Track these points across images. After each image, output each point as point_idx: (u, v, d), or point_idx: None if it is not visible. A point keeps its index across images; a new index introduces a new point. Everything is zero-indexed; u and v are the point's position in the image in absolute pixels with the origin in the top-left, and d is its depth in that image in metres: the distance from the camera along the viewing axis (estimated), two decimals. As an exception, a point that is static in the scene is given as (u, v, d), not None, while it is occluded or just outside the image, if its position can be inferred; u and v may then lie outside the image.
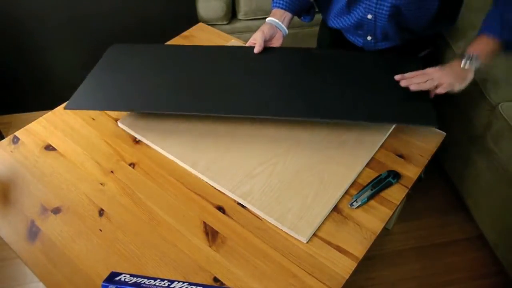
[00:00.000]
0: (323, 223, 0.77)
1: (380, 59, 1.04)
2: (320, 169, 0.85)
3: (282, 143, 0.90)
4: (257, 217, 0.79)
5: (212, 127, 0.94)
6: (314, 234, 0.76)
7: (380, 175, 0.84)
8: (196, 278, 0.71)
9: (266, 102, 0.89)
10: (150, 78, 0.97)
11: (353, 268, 0.71)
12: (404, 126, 0.94)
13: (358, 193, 0.82)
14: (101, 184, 0.86)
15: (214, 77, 0.96)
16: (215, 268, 0.72)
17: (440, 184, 1.57)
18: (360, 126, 0.93)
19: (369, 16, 1.03)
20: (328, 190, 0.81)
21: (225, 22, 1.77)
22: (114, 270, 0.70)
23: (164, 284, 0.64)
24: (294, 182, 0.83)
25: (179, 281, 0.66)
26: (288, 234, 0.76)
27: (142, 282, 0.64)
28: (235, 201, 0.82)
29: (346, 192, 0.82)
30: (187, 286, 0.65)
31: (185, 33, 1.27)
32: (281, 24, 1.07)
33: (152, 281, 0.64)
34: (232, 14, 1.79)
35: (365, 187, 0.83)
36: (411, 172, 0.86)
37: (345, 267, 0.71)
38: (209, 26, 1.31)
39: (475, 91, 1.26)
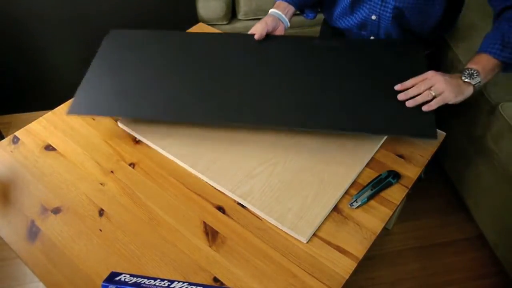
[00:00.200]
0: (323, 223, 0.77)
1: (383, 49, 1.02)
2: (320, 169, 0.85)
3: (282, 143, 0.90)
4: (257, 217, 0.79)
5: (212, 127, 0.94)
6: (314, 234, 0.76)
7: (380, 175, 0.84)
8: (196, 278, 0.71)
9: (265, 109, 0.87)
10: (150, 73, 0.96)
11: (353, 268, 0.71)
12: None
13: (358, 193, 0.82)
14: (101, 184, 0.86)
15: (214, 74, 0.95)
16: (215, 268, 0.72)
17: (440, 184, 1.57)
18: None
19: (373, 17, 1.03)
20: (328, 190, 0.81)
21: (225, 22, 1.77)
22: (114, 270, 0.70)
23: (164, 284, 0.64)
24: (294, 182, 0.83)
25: (179, 281, 0.66)
26: (288, 234, 0.76)
27: (142, 282, 0.64)
28: (235, 201, 0.82)
29: (346, 192, 0.82)
30: (187, 286, 0.65)
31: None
32: (284, 17, 1.07)
33: (152, 281, 0.65)
34: (232, 14, 1.79)
35: (365, 187, 0.83)
36: (411, 172, 0.86)
37: (345, 267, 0.71)
38: (209, 26, 1.31)
39: (475, 91, 1.25)
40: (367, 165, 0.87)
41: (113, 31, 1.08)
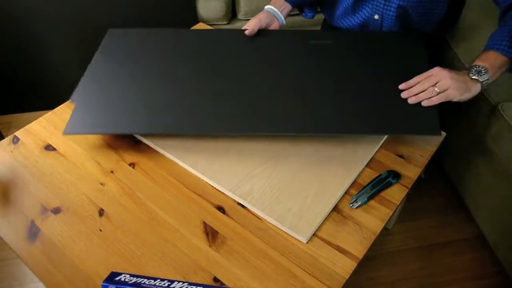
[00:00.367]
0: (323, 223, 0.77)
1: (381, 44, 1.00)
2: (320, 169, 0.85)
3: (282, 143, 0.90)
4: (257, 217, 0.79)
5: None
6: (314, 234, 0.76)
7: (380, 175, 0.84)
8: (196, 278, 0.71)
9: (263, 117, 0.86)
10: (143, 82, 0.94)
11: (353, 268, 0.71)
12: None
13: (358, 193, 0.82)
14: (101, 184, 0.86)
15: (211, 79, 0.94)
16: (215, 268, 0.72)
17: (440, 184, 1.57)
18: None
19: (376, 17, 1.02)
20: (328, 190, 0.81)
21: (225, 22, 1.77)
22: (114, 270, 0.70)
23: (164, 284, 0.64)
24: (294, 182, 0.83)
25: (179, 281, 0.66)
26: (288, 234, 0.76)
27: (142, 282, 0.64)
28: (235, 201, 0.82)
29: (346, 192, 0.82)
30: (187, 286, 0.65)
31: (185, 33, 1.27)
32: (279, 14, 1.06)
33: (152, 281, 0.65)
34: (232, 14, 1.79)
35: (365, 187, 0.83)
36: (411, 172, 0.86)
37: (345, 267, 0.71)
38: (209, 26, 1.31)
39: (475, 91, 1.25)
40: (367, 165, 0.87)
41: (112, 30, 1.08)
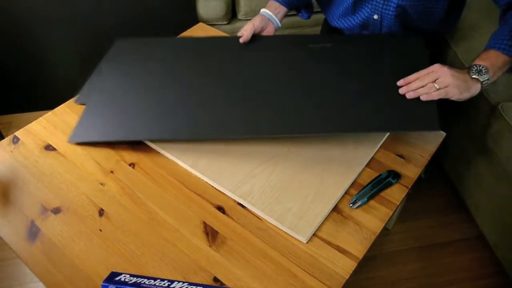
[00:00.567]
0: (323, 223, 0.77)
1: (380, 44, 1.00)
2: (320, 169, 0.85)
3: (282, 143, 0.90)
4: (257, 217, 0.79)
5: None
6: (314, 234, 0.76)
7: (380, 175, 0.84)
8: (196, 278, 0.71)
9: (264, 119, 0.86)
10: (145, 92, 0.96)
11: (353, 268, 0.71)
12: None
13: (358, 193, 0.82)
14: (101, 184, 0.86)
15: (213, 85, 0.95)
16: (215, 268, 0.72)
17: (440, 184, 1.57)
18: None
19: (375, 16, 1.02)
20: (328, 190, 0.81)
21: (225, 22, 1.77)
22: (114, 270, 0.70)
23: (164, 284, 0.64)
24: (294, 182, 0.83)
25: (179, 281, 0.66)
26: (288, 234, 0.76)
27: (142, 282, 0.64)
28: (235, 201, 0.82)
29: (346, 192, 0.82)
30: (187, 286, 0.65)
31: (185, 33, 1.27)
32: (274, 17, 1.06)
33: (152, 281, 0.65)
34: (232, 14, 1.79)
35: (365, 187, 0.83)
36: (411, 172, 0.86)
37: (345, 267, 0.71)
38: (209, 26, 1.31)
39: (475, 91, 1.26)
40: (367, 165, 0.87)
41: (119, 40, 1.09)
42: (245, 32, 1.02)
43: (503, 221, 1.23)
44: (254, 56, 1.02)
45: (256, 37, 1.05)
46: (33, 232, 0.79)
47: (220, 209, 0.81)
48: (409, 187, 0.84)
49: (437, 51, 1.30)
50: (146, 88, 0.97)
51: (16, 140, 0.96)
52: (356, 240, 0.75)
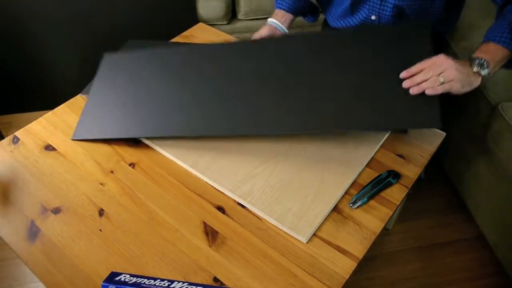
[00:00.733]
0: (323, 223, 0.77)
1: (384, 36, 0.95)
2: (320, 169, 0.85)
3: (282, 143, 0.90)
4: (257, 217, 0.79)
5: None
6: (314, 234, 0.76)
7: (380, 175, 0.84)
8: (196, 278, 0.71)
9: (263, 117, 0.86)
10: (147, 91, 0.97)
11: (353, 268, 0.71)
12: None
13: (358, 193, 0.82)
14: (101, 184, 0.86)
15: (213, 83, 0.95)
16: (215, 268, 0.72)
17: (440, 184, 1.57)
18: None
19: (373, 17, 1.02)
20: (328, 190, 0.81)
21: (225, 22, 1.77)
22: (114, 270, 0.70)
23: (164, 284, 0.64)
24: (294, 182, 0.83)
25: (179, 281, 0.66)
26: (288, 234, 0.76)
27: (142, 282, 0.64)
28: (235, 201, 0.82)
29: (346, 192, 0.82)
30: (187, 286, 0.65)
31: (185, 33, 1.27)
32: (281, 26, 1.07)
33: (152, 281, 0.65)
34: (232, 14, 1.79)
35: (365, 187, 0.83)
36: (411, 172, 0.86)
37: (345, 267, 0.71)
38: (209, 26, 1.31)
39: (475, 90, 1.24)
40: (367, 165, 0.87)
41: (108, 55, 1.09)
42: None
43: (503, 221, 1.23)
44: (253, 55, 1.01)
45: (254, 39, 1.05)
46: (33, 232, 0.79)
47: (220, 209, 0.81)
48: (409, 187, 0.84)
49: (436, 50, 1.30)
50: (146, 87, 0.97)
51: (16, 140, 0.96)
52: (356, 240, 0.75)
